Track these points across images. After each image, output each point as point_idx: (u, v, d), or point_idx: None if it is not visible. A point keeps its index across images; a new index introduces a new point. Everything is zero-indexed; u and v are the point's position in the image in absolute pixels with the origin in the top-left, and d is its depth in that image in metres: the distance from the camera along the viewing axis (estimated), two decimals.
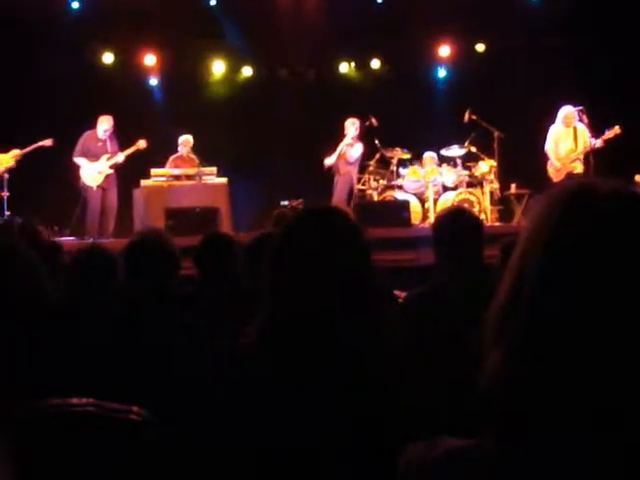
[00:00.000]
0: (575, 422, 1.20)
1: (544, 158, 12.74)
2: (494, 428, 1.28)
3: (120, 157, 13.22)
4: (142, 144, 13.39)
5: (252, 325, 2.36)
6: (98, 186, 13.09)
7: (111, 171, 13.17)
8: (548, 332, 1.22)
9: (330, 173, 13.85)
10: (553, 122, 12.72)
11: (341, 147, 13.61)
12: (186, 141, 13.99)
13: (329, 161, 13.74)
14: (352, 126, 13.75)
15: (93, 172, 13.06)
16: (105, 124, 13.22)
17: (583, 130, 12.48)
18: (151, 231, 4.77)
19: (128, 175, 13.42)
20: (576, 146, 12.47)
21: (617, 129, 12.35)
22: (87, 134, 13.27)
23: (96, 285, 4.35)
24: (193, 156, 13.78)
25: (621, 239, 1.22)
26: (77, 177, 13.17)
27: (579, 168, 12.53)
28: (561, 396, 1.20)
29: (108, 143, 13.23)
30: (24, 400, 3.13)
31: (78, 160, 13.11)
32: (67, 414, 3.00)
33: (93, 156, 13.11)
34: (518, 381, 1.24)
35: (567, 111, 12.56)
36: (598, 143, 12.34)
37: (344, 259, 2.29)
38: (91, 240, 11.95)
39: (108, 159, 13.11)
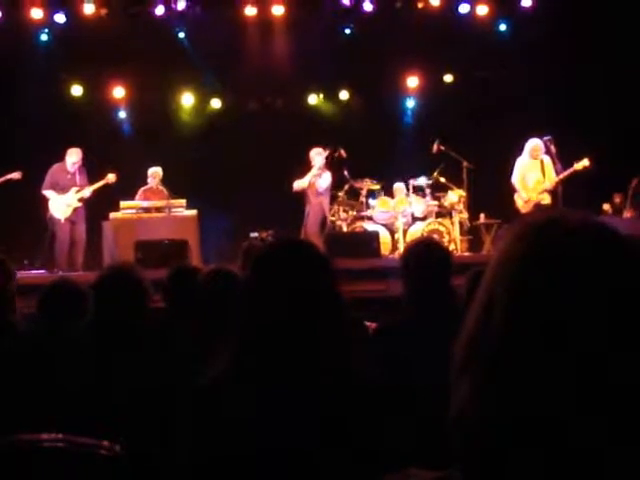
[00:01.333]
0: (542, 457, 1.20)
1: (512, 190, 12.79)
2: (461, 461, 1.29)
3: (87, 191, 13.18)
4: (111, 178, 13.33)
5: (219, 360, 2.36)
6: (66, 219, 13.04)
7: (79, 204, 13.13)
8: (515, 364, 1.22)
9: (297, 200, 13.79)
10: (520, 154, 12.78)
11: (309, 177, 13.57)
12: (155, 173, 13.94)
13: (299, 185, 13.70)
14: (318, 156, 13.68)
15: (62, 205, 13.02)
16: (74, 157, 13.19)
17: (549, 164, 12.51)
18: (121, 265, 4.76)
19: (97, 207, 13.37)
20: (544, 177, 12.50)
21: (586, 162, 12.32)
22: (56, 167, 13.22)
23: (65, 318, 4.33)
24: (162, 188, 13.75)
25: (587, 274, 1.21)
26: (46, 210, 13.11)
27: (547, 199, 12.56)
28: (527, 430, 1.21)
29: (77, 176, 13.21)
30: None
31: (47, 193, 13.06)
32: (37, 450, 2.99)
33: (62, 189, 13.06)
34: (484, 414, 1.24)
35: (534, 144, 12.61)
36: (564, 175, 12.35)
37: (313, 291, 2.31)
38: (60, 273, 11.90)
39: (77, 192, 13.07)
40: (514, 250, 1.28)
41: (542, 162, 12.56)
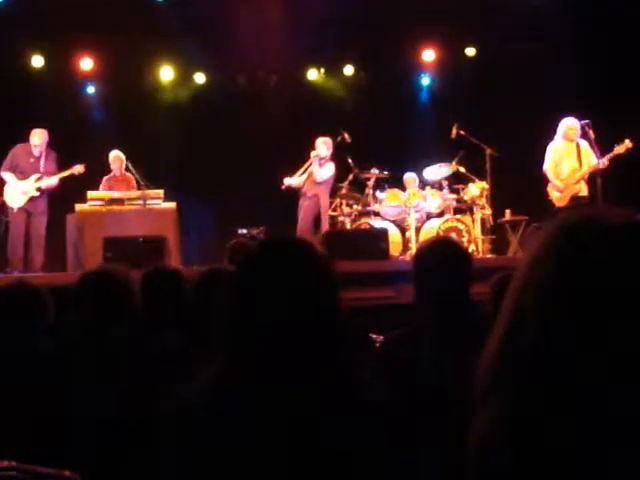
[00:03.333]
0: None
1: (543, 180, 12.78)
2: None
3: (51, 180, 13.08)
4: (79, 169, 13.24)
5: (205, 370, 2.37)
6: (20, 208, 12.94)
7: (37, 193, 13.00)
8: (551, 395, 1.21)
9: (290, 194, 13.78)
10: (552, 139, 12.77)
11: (309, 167, 13.55)
12: (116, 157, 13.94)
13: (290, 181, 13.70)
14: (324, 145, 13.69)
15: (17, 192, 12.94)
16: (36, 139, 13.13)
17: (587, 148, 12.52)
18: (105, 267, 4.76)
19: (60, 198, 13.32)
20: (580, 165, 12.50)
21: (628, 143, 12.35)
22: (18, 147, 13.18)
23: (22, 327, 4.33)
24: (129, 175, 13.72)
25: (635, 281, 1.22)
26: (0, 194, 13.06)
27: (584, 190, 12.57)
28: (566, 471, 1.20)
29: (42, 161, 13.12)
30: None
31: (4, 175, 13.01)
32: None
33: (22, 173, 13.00)
34: (509, 447, 1.24)
35: (568, 123, 12.60)
36: (603, 163, 12.35)
37: (309, 298, 2.32)
38: (15, 274, 11.88)
39: (37, 179, 12.98)
40: (546, 258, 1.27)
41: (578, 146, 12.55)
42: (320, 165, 13.55)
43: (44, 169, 13.11)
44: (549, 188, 12.73)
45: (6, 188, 13.02)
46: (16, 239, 12.96)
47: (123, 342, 4.28)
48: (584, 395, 1.20)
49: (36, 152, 13.12)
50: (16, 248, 12.94)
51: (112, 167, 13.90)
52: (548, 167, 12.68)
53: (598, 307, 1.20)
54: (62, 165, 13.27)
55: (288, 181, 13.70)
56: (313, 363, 2.29)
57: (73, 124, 15.23)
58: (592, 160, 12.42)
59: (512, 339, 1.26)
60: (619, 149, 12.36)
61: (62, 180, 13.20)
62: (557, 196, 12.63)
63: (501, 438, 1.24)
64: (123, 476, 3.28)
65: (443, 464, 2.89)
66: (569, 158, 12.59)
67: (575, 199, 12.45)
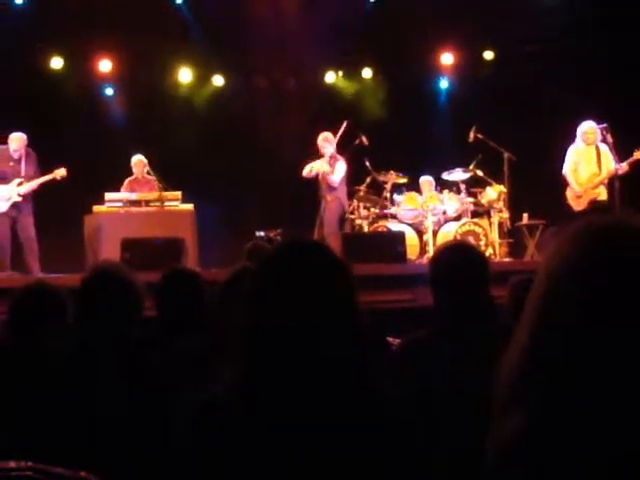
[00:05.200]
0: None
1: (562, 183, 12.77)
2: None
3: (34, 184, 12.90)
4: (61, 173, 13.06)
5: (225, 373, 2.37)
6: (3, 213, 12.77)
7: (19, 199, 12.81)
8: (585, 405, 1.20)
9: (313, 189, 13.78)
10: (572, 142, 12.75)
11: (321, 172, 13.51)
12: (138, 161, 13.97)
13: (312, 170, 13.71)
14: (326, 143, 13.69)
15: None
16: (14, 144, 12.95)
17: (606, 152, 12.50)
18: (108, 266, 4.75)
19: (78, 200, 13.36)
20: (599, 169, 12.48)
21: None
22: None
23: (42, 328, 4.33)
24: (150, 177, 13.75)
25: None
26: None
27: (603, 194, 12.56)
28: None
29: (23, 165, 12.95)
30: None
31: None
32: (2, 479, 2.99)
33: (3, 178, 12.86)
34: (536, 455, 1.22)
35: (587, 126, 12.61)
36: (623, 168, 12.33)
37: (326, 301, 2.32)
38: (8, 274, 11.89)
39: (19, 184, 12.83)
40: (578, 260, 1.25)
41: (598, 150, 12.55)
42: (331, 173, 13.55)
43: (25, 172, 12.91)
44: (567, 192, 12.72)
45: None
46: (1, 242, 12.76)
47: (139, 344, 4.28)
48: (621, 406, 1.19)
49: (15, 156, 12.95)
50: (3, 251, 12.74)
51: (134, 170, 13.94)
52: (568, 170, 12.68)
53: (635, 312, 1.19)
54: (75, 168, 13.27)
55: (312, 165, 13.69)
56: (331, 365, 2.29)
57: (91, 125, 15.25)
58: (611, 165, 12.39)
59: (541, 347, 1.25)
60: (638, 154, 12.32)
61: (45, 184, 13.00)
62: (575, 200, 12.61)
63: (527, 446, 1.23)
64: (142, 476, 3.28)
65: (459, 468, 2.88)
66: (588, 162, 12.58)
67: (594, 203, 12.43)
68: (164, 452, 2.54)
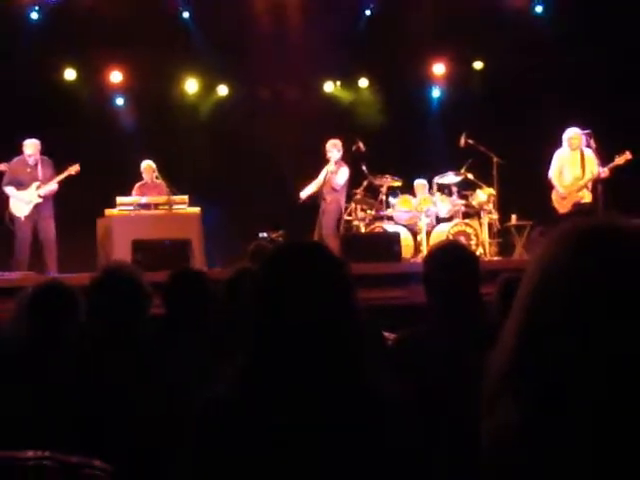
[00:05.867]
0: None
1: (548, 186, 12.78)
2: None
3: (53, 185, 13.07)
4: (74, 168, 13.16)
5: (228, 371, 2.37)
6: (26, 217, 12.93)
7: (40, 200, 12.97)
8: (571, 390, 1.19)
9: (307, 204, 13.80)
10: (558, 147, 12.77)
11: (325, 174, 13.58)
12: (147, 167, 13.98)
13: (306, 193, 13.74)
14: (334, 148, 13.70)
15: (21, 202, 12.94)
16: (29, 149, 13.09)
17: (591, 157, 12.51)
18: (118, 265, 4.76)
19: (91, 204, 13.38)
20: (583, 173, 12.48)
21: (628, 155, 12.31)
22: (14, 161, 13.16)
23: (57, 323, 4.32)
24: (159, 182, 13.75)
25: None
26: (6, 208, 13.02)
27: (587, 197, 12.56)
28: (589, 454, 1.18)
29: (39, 169, 13.07)
30: None
31: (6, 189, 13.00)
32: (20, 468, 2.99)
33: (22, 184, 12.97)
34: (529, 446, 1.22)
35: (573, 132, 12.63)
36: (604, 172, 12.34)
37: (326, 298, 2.31)
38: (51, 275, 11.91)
39: (38, 187, 12.96)
40: (560, 261, 1.25)
41: (582, 155, 12.55)
42: (335, 172, 13.57)
43: (42, 176, 13.04)
44: (552, 194, 12.73)
45: (11, 200, 13.00)
46: (22, 245, 12.93)
47: (148, 341, 4.28)
48: (610, 397, 1.18)
49: (31, 161, 13.08)
50: (22, 252, 12.90)
51: (144, 175, 13.96)
52: (553, 174, 12.70)
53: (614, 307, 1.18)
54: (91, 172, 13.29)
55: (304, 194, 13.73)
56: (329, 360, 2.28)
57: (103, 133, 15.28)
58: (595, 168, 12.40)
59: (530, 342, 1.24)
60: (619, 160, 12.34)
61: (62, 182, 13.17)
62: (559, 202, 12.62)
63: (520, 437, 1.22)
64: (154, 469, 3.28)
65: (455, 461, 2.88)
66: (573, 166, 12.59)
67: (577, 206, 12.43)
68: (171, 447, 2.53)
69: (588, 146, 12.56)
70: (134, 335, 4.17)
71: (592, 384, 1.18)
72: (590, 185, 12.54)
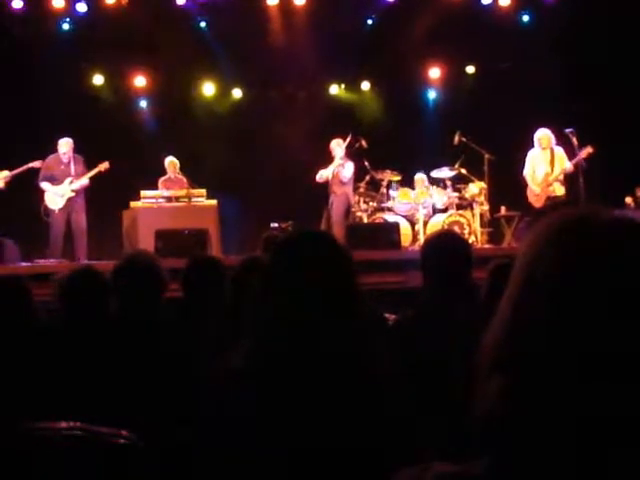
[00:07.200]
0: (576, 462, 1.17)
1: (522, 184, 12.80)
2: (490, 456, 1.26)
3: (84, 180, 13.17)
4: (105, 166, 13.25)
5: (237, 350, 2.36)
6: (60, 209, 13.04)
7: (73, 194, 13.08)
8: (559, 365, 1.18)
9: (320, 187, 13.84)
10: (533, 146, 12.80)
11: (332, 169, 13.60)
12: (170, 163, 14.01)
13: (322, 175, 13.77)
14: (338, 147, 13.78)
15: (55, 196, 13.04)
16: (63, 147, 13.22)
17: (560, 154, 12.51)
18: (138, 253, 4.77)
19: (118, 196, 13.44)
20: (552, 169, 12.47)
21: (589, 149, 12.28)
22: (50, 158, 13.27)
23: (90, 308, 4.33)
24: (181, 177, 13.78)
25: (630, 272, 1.18)
26: (42, 201, 13.12)
27: (559, 190, 12.55)
28: (556, 427, 1.17)
29: (72, 166, 13.18)
30: (11, 421, 3.13)
31: (42, 185, 13.11)
32: (55, 438, 2.99)
33: (57, 180, 13.08)
34: (516, 413, 1.21)
35: (542, 133, 12.64)
36: (569, 168, 12.35)
37: (330, 282, 2.31)
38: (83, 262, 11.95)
39: (71, 182, 13.07)
40: (549, 247, 1.24)
41: (552, 153, 12.54)
42: (342, 166, 13.64)
43: (75, 172, 13.15)
44: (527, 192, 12.74)
45: (46, 195, 13.11)
46: (56, 235, 13.05)
47: (164, 326, 4.29)
48: (584, 394, 1.17)
49: (65, 159, 13.20)
50: (55, 243, 13.02)
51: (167, 170, 13.97)
52: (526, 173, 12.73)
53: (598, 300, 1.17)
54: (114, 170, 13.34)
55: (321, 176, 13.77)
56: (334, 336, 2.27)
57: (128, 133, 15.31)
58: (565, 164, 12.40)
59: (515, 327, 1.23)
60: (582, 154, 12.30)
61: (93, 178, 13.26)
62: (534, 198, 12.62)
63: (507, 408, 1.21)
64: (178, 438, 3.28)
65: (449, 436, 2.87)
66: (543, 164, 12.60)
67: (551, 199, 12.43)
68: (190, 421, 2.52)
69: (569, 144, 12.50)
70: (151, 317, 4.18)
71: (567, 385, 1.17)
72: (562, 178, 12.51)
